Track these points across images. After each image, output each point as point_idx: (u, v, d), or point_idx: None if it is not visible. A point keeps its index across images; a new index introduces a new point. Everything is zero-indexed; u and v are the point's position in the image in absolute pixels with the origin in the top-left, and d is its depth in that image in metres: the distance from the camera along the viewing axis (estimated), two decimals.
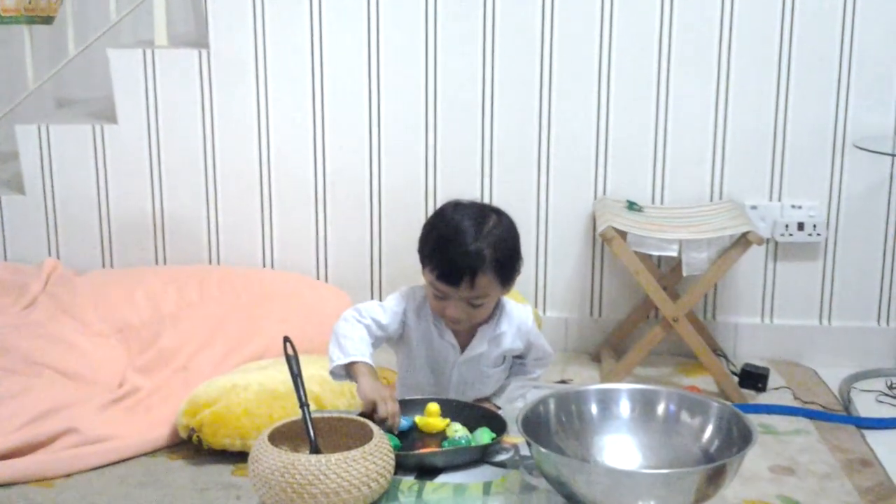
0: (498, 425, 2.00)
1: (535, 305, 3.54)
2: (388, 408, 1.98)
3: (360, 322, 2.19)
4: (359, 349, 2.12)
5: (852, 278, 3.49)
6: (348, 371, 2.12)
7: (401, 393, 2.35)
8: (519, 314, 2.33)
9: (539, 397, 1.87)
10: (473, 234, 2.16)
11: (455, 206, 2.24)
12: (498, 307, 2.30)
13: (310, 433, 1.82)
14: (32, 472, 2.62)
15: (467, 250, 2.14)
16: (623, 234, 3.16)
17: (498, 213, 2.24)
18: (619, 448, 1.84)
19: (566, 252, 3.53)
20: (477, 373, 2.32)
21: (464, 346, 2.29)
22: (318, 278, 3.61)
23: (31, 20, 3.72)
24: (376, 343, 2.22)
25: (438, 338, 2.28)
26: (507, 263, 2.19)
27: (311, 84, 3.49)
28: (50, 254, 3.66)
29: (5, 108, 3.79)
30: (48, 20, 3.80)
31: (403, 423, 2.01)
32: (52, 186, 3.62)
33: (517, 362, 2.39)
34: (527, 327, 2.33)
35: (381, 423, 1.96)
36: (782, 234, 3.43)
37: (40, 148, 3.60)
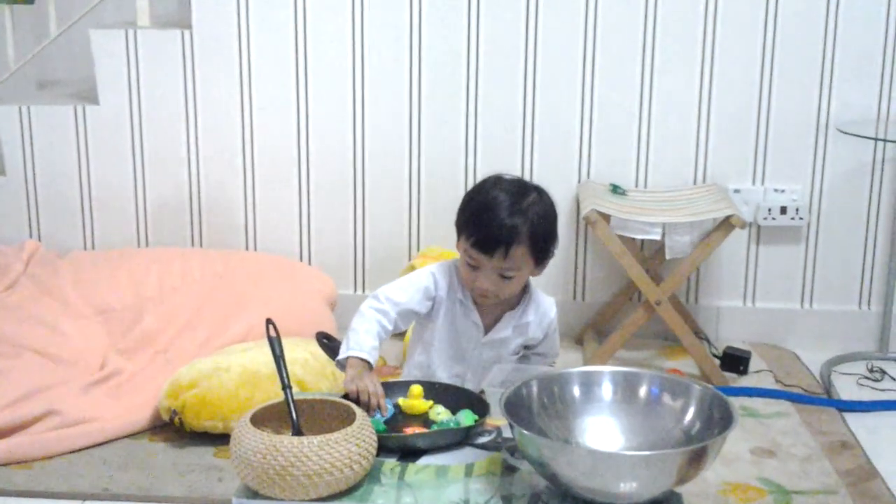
0: (480, 407, 2.00)
1: None
2: (362, 384, 1.99)
3: (376, 310, 2.19)
4: (360, 342, 2.12)
5: (834, 262, 3.51)
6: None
7: (411, 373, 2.36)
8: (545, 304, 2.34)
9: (522, 380, 1.87)
10: (513, 206, 2.16)
11: (496, 180, 2.25)
12: (526, 294, 2.30)
13: (292, 415, 1.82)
14: (13, 454, 2.61)
15: (505, 220, 2.15)
16: (606, 218, 3.16)
17: (539, 190, 2.24)
18: (601, 430, 1.84)
19: None
20: (496, 357, 2.31)
21: (488, 329, 2.30)
22: (301, 261, 3.61)
23: (13, 0, 3.69)
24: (397, 326, 2.23)
25: (463, 316, 2.28)
26: (543, 240, 2.19)
27: (295, 65, 3.48)
28: (31, 235, 3.64)
29: None
30: (29, 0, 3.77)
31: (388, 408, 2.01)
32: (34, 167, 3.60)
33: (524, 353, 2.39)
34: (549, 318, 2.35)
35: (367, 409, 1.97)
36: (765, 218, 3.44)
37: (21, 129, 3.58)
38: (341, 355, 2.13)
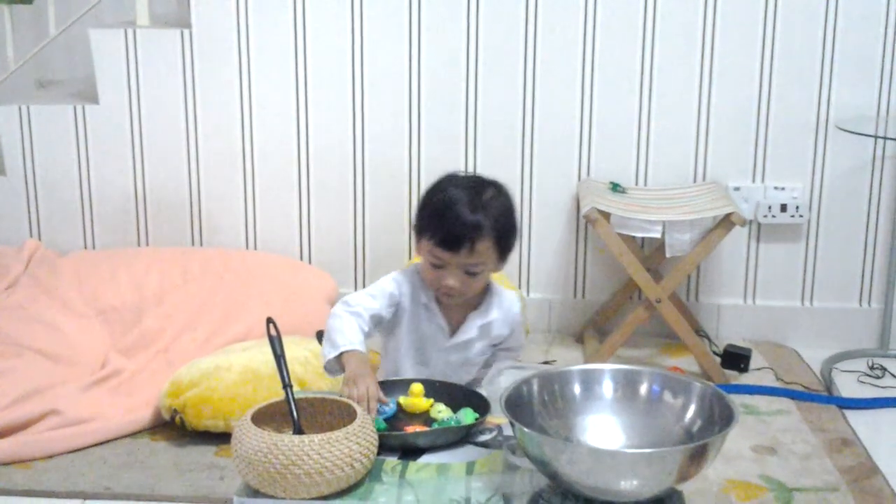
0: (481, 406, 2.00)
1: (519, 287, 3.55)
2: (358, 391, 1.97)
3: (350, 314, 2.18)
4: (348, 339, 2.12)
5: (834, 259, 3.51)
6: (340, 363, 2.12)
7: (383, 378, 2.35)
8: (508, 300, 2.34)
9: (522, 378, 1.87)
10: (474, 201, 2.17)
11: (452, 178, 2.26)
12: (488, 293, 2.30)
13: (293, 414, 1.82)
14: (13, 453, 2.61)
15: (468, 216, 2.15)
16: (606, 216, 3.16)
17: (496, 185, 2.25)
18: (602, 428, 1.84)
19: (550, 233, 3.53)
20: (463, 360, 2.31)
21: (453, 332, 2.29)
22: (301, 260, 3.61)
23: (12, 0, 3.69)
24: (371, 330, 2.22)
25: (427, 321, 2.28)
26: (505, 233, 2.21)
27: (294, 64, 3.48)
28: (31, 235, 3.64)
29: None
30: (29, 0, 3.77)
31: (388, 409, 1.99)
32: (34, 167, 3.60)
33: (492, 350, 2.39)
34: (513, 314, 2.34)
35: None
36: (765, 216, 3.44)
37: (21, 128, 3.58)
38: (330, 356, 2.11)
